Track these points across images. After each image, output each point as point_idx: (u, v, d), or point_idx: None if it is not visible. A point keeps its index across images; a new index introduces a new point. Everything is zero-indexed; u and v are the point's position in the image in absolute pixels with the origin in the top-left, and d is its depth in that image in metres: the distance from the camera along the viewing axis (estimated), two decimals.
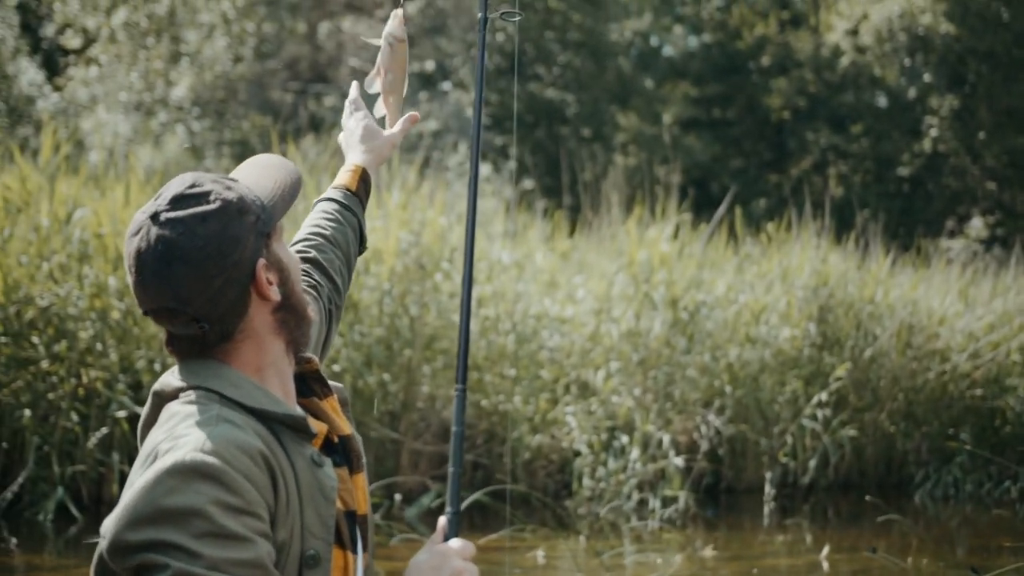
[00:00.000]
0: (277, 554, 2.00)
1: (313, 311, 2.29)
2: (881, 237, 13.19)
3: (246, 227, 2.11)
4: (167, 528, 1.89)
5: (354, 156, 2.90)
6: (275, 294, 2.15)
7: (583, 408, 9.55)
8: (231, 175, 2.21)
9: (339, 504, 2.13)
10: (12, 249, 7.79)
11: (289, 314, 2.19)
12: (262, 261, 2.12)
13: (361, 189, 2.89)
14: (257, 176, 2.22)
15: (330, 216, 2.80)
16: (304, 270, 2.60)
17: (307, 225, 2.78)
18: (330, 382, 2.33)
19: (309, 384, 2.31)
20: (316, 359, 2.32)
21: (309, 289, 2.56)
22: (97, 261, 7.98)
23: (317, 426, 2.14)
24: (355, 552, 2.15)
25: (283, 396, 2.19)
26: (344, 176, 2.88)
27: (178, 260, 2.05)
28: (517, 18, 2.79)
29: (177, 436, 1.98)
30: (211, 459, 1.93)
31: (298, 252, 2.67)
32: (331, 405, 2.29)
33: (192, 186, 2.11)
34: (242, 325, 2.14)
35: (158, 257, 2.06)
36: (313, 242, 2.73)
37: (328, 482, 2.08)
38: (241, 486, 1.94)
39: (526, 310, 9.61)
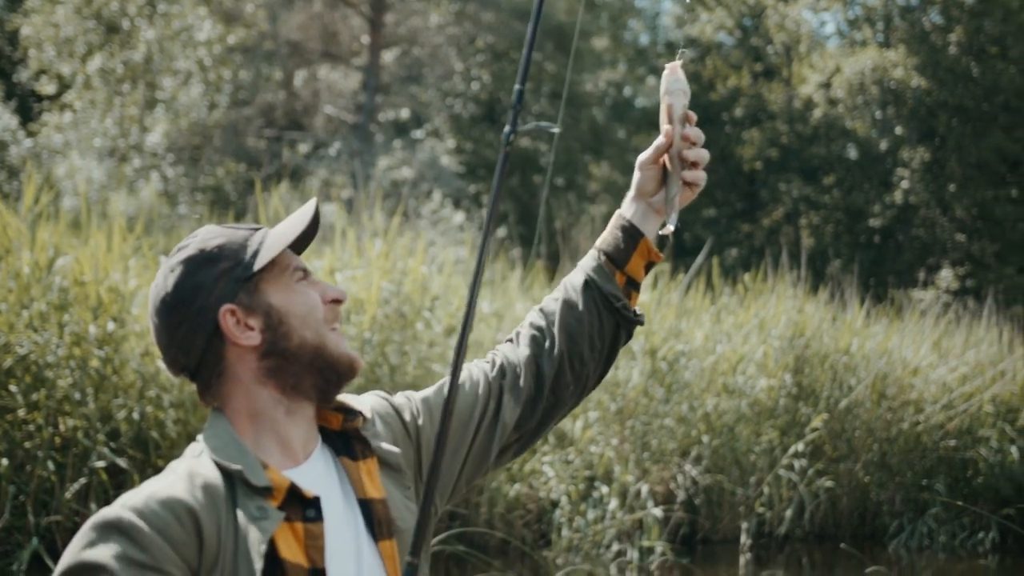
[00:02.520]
0: None
1: (358, 363, 2.24)
2: (854, 287, 13.29)
3: (214, 274, 2.15)
4: None
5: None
6: (250, 339, 2.15)
7: (561, 457, 9.55)
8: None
9: (302, 560, 2.08)
10: None
11: (284, 360, 2.17)
12: (227, 306, 2.14)
13: (618, 245, 2.46)
14: (283, 222, 2.26)
15: (562, 297, 2.48)
16: (487, 369, 2.46)
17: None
18: (390, 450, 2.29)
19: (350, 442, 2.28)
20: (362, 418, 2.28)
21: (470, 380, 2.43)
22: (77, 309, 7.95)
23: (277, 481, 2.09)
24: None
25: (277, 445, 2.18)
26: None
27: (154, 312, 2.18)
28: (555, 130, 2.43)
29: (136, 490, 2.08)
30: (127, 515, 1.99)
31: (494, 352, 2.48)
32: (367, 467, 2.25)
33: (188, 239, 2.23)
34: (224, 373, 2.17)
35: (149, 310, 2.21)
36: (517, 337, 2.49)
37: (258, 537, 2.04)
38: (151, 543, 1.97)
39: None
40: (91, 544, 1.99)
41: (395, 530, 2.22)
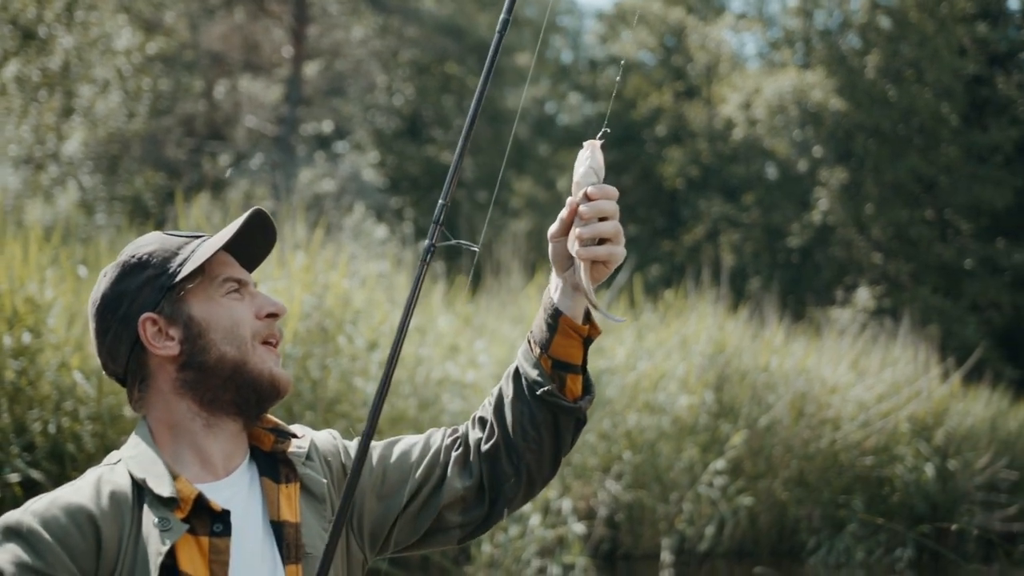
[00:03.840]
0: None
1: (284, 383, 2.21)
2: (774, 306, 13.41)
3: (139, 282, 2.16)
4: None
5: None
6: (168, 349, 2.14)
7: None
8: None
9: (203, 574, 2.05)
10: None
11: (202, 374, 2.15)
12: (147, 315, 2.14)
13: (541, 328, 2.29)
14: (220, 232, 2.23)
15: (499, 385, 2.38)
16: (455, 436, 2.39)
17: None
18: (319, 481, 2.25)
19: (276, 465, 2.25)
20: (291, 442, 2.26)
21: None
22: None
23: (184, 492, 2.07)
24: None
25: (196, 458, 2.16)
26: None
27: (89, 316, 2.21)
28: (475, 248, 2.29)
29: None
30: (27, 520, 2.00)
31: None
32: (287, 491, 2.21)
33: (129, 244, 2.23)
34: (146, 380, 2.18)
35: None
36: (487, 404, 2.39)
37: (157, 547, 2.02)
38: (48, 550, 1.98)
39: (428, 374, 9.58)
40: None
41: (303, 555, 2.18)
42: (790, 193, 26.74)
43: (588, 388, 2.29)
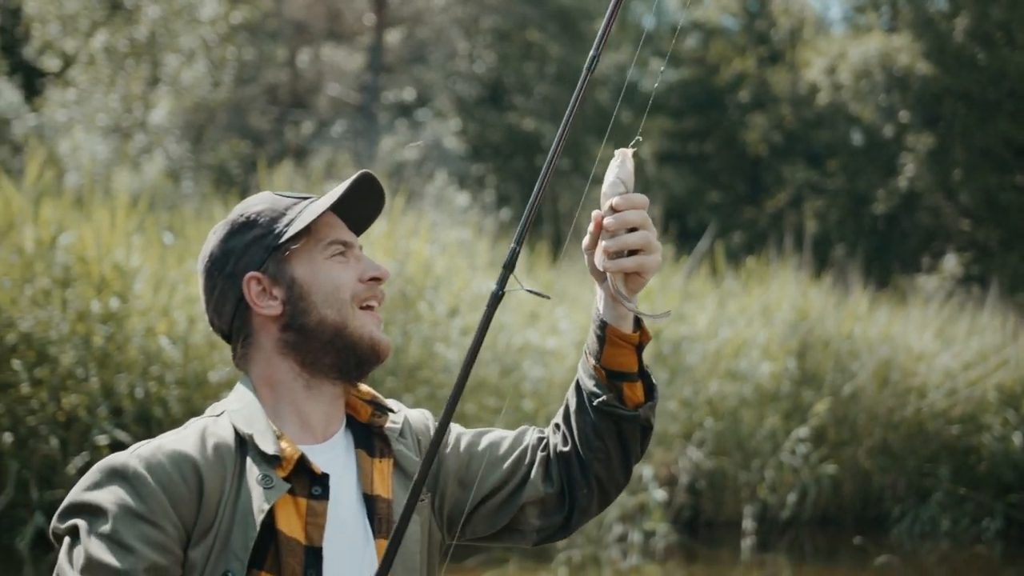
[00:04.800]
0: (188, 571, 2.02)
1: (383, 347, 2.20)
2: (858, 273, 13.26)
3: (246, 240, 2.18)
4: (78, 518, 2.01)
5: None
6: (271, 309, 2.16)
7: None
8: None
9: (299, 536, 2.07)
10: None
11: (303, 335, 2.17)
12: (252, 273, 2.16)
13: (592, 340, 2.26)
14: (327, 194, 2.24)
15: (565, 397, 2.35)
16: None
17: None
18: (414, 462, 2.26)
19: (371, 438, 2.26)
20: (387, 417, 2.26)
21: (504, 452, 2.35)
22: (80, 285, 7.92)
23: (288, 451, 2.08)
24: None
25: (296, 419, 2.18)
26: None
27: (199, 272, 2.24)
28: (547, 296, 2.24)
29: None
30: (134, 464, 2.03)
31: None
32: (381, 466, 2.22)
33: (242, 202, 2.26)
34: (249, 338, 2.20)
35: None
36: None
37: (259, 503, 2.04)
38: (150, 493, 2.00)
39: (509, 341, 9.60)
40: (96, 486, 2.03)
41: (392, 530, 2.17)
42: (876, 159, 26.37)
43: (651, 393, 2.26)
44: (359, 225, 2.30)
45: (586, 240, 2.18)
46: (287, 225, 2.18)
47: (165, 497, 2.01)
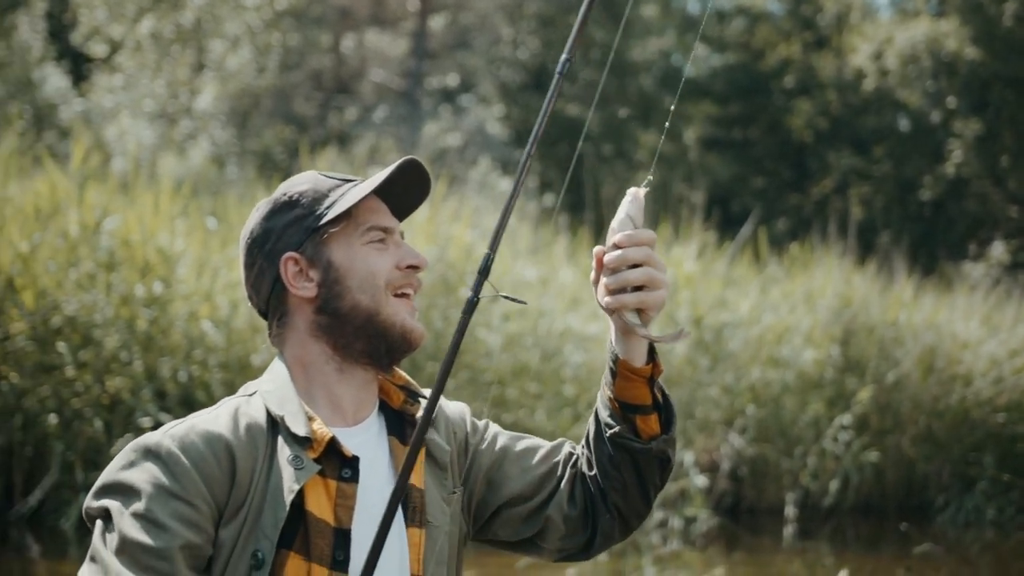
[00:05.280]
0: (218, 550, 2.03)
1: (415, 335, 2.19)
2: (903, 260, 13.16)
3: (287, 220, 2.18)
4: (112, 497, 2.02)
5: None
6: (306, 291, 2.16)
7: None
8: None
9: (328, 517, 2.07)
10: (41, 256, 7.81)
11: (336, 319, 2.17)
12: (290, 254, 2.16)
13: (607, 373, 2.25)
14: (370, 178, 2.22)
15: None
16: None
17: None
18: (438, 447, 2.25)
19: (404, 426, 2.25)
20: (419, 405, 2.25)
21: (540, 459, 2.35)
22: (124, 269, 7.99)
23: (318, 433, 2.09)
24: (332, 570, 2.06)
25: (327, 401, 2.18)
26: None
27: (240, 250, 2.24)
28: (523, 303, 2.25)
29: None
30: (167, 443, 2.04)
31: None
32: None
33: (287, 180, 2.26)
34: (284, 318, 2.21)
35: None
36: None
37: (290, 484, 2.04)
38: (183, 472, 2.01)
39: (550, 326, 9.61)
40: (129, 465, 2.04)
41: (425, 522, 2.19)
42: (922, 145, 26.13)
43: (668, 426, 2.24)
44: (402, 211, 2.29)
45: (592, 274, 2.17)
46: (328, 207, 2.17)
47: (198, 476, 2.02)
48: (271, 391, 2.15)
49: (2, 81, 19.60)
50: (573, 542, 2.32)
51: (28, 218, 8.04)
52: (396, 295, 2.19)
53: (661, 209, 14.12)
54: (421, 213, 9.42)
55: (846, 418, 10.32)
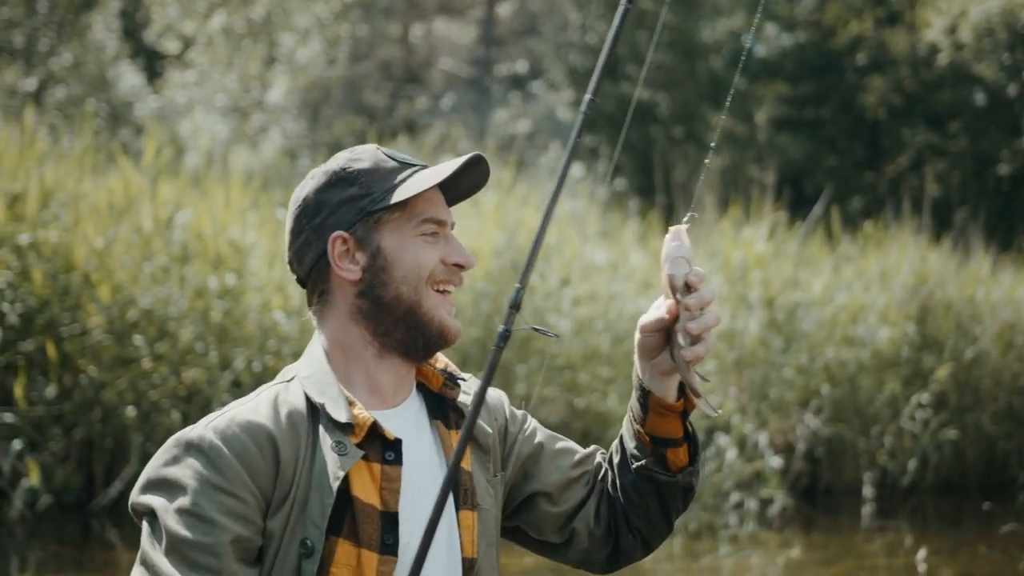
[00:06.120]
0: (267, 540, 2.02)
1: (452, 333, 2.20)
2: (980, 236, 12.98)
3: (342, 197, 2.14)
4: (157, 495, 2.00)
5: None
6: (350, 273, 2.14)
7: None
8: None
9: (374, 501, 2.07)
10: (116, 251, 7.93)
11: (377, 307, 2.15)
12: (340, 233, 2.13)
13: (636, 405, 2.24)
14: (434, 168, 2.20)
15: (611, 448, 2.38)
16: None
17: None
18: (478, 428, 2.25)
19: (446, 409, 2.25)
20: (459, 389, 2.25)
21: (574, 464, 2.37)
22: (197, 262, 8.10)
23: (360, 418, 2.08)
24: (382, 555, 2.06)
25: (366, 384, 2.17)
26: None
27: (288, 213, 2.20)
28: (554, 335, 2.29)
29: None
30: (209, 436, 2.02)
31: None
32: (457, 437, 2.19)
33: (349, 150, 2.22)
34: (325, 295, 2.18)
35: None
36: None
37: (335, 470, 2.04)
38: (229, 466, 2.00)
39: (621, 310, 9.59)
40: (173, 460, 2.02)
41: (476, 505, 2.20)
42: (999, 119, 25.69)
43: (694, 456, 2.26)
44: (456, 198, 2.27)
45: (649, 321, 2.14)
46: (386, 192, 2.14)
47: (242, 468, 2.00)
48: (309, 376, 2.14)
49: (78, 80, 19.92)
50: (594, 557, 2.35)
51: (103, 214, 8.17)
52: (437, 290, 2.17)
53: (731, 191, 14.02)
54: (489, 199, 9.44)
55: (924, 396, 10.21)
